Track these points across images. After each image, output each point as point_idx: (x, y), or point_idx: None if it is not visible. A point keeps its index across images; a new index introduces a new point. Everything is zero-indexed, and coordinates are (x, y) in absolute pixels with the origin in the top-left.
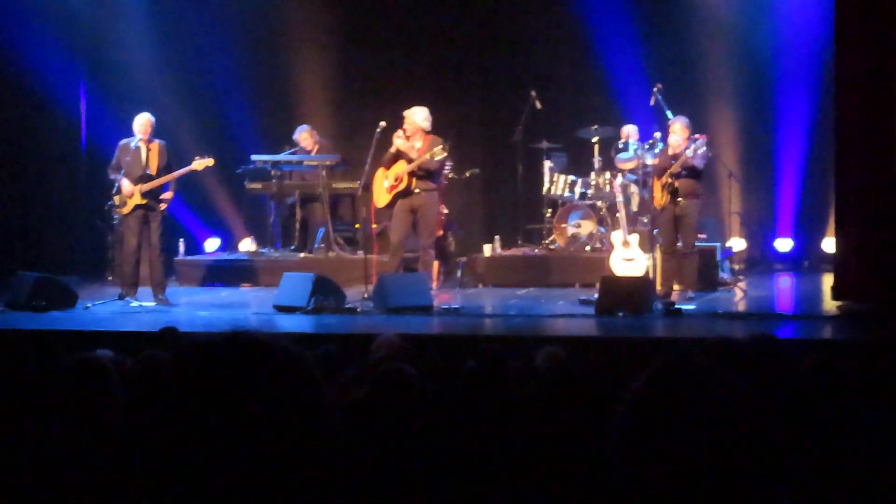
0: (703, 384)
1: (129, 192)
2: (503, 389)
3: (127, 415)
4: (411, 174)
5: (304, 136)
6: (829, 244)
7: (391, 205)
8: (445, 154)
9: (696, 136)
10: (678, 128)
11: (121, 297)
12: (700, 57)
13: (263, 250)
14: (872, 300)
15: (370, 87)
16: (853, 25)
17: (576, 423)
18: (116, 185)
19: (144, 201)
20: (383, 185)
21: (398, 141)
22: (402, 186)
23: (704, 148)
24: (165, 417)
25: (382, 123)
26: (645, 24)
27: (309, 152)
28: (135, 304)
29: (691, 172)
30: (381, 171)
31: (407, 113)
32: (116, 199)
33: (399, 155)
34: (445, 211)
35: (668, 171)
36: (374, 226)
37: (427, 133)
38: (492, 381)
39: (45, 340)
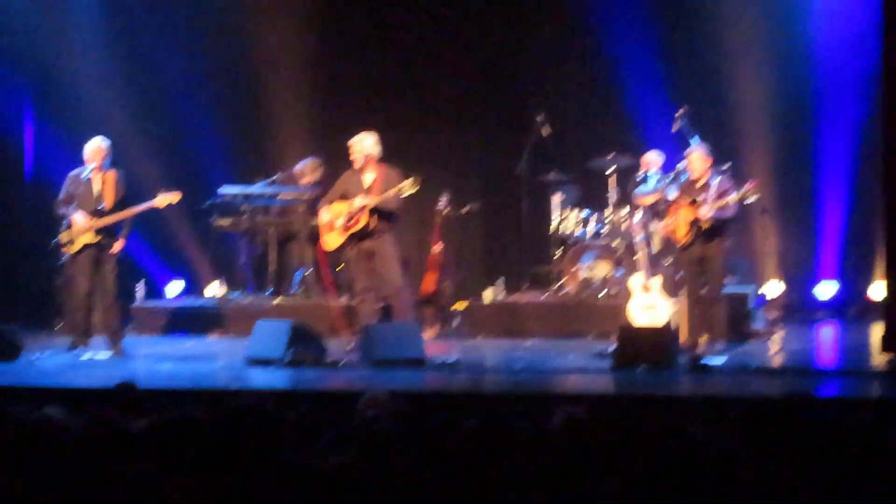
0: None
1: (84, 228)
2: (508, 455)
3: (76, 481)
4: (370, 212)
5: (308, 168)
6: (878, 288)
7: (342, 247)
8: (416, 189)
9: (750, 184)
10: (698, 157)
11: (71, 348)
12: (730, 77)
13: (233, 295)
14: None
15: (357, 112)
16: None
17: (596, 494)
18: (66, 221)
19: (97, 239)
20: (334, 225)
21: (324, 215)
22: (359, 226)
23: (756, 197)
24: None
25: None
26: (667, 41)
27: None
28: (87, 355)
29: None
30: (325, 209)
31: (354, 141)
32: (64, 236)
33: (348, 191)
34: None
35: (699, 211)
36: (338, 269)
37: (380, 162)
38: (495, 445)
39: None
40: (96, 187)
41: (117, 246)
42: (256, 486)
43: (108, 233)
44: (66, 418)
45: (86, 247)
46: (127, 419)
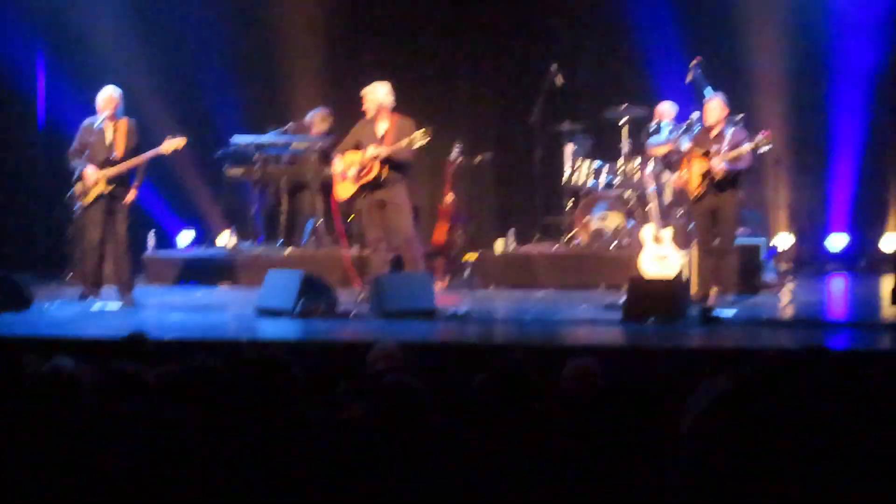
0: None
1: (93, 181)
2: (520, 407)
3: (93, 431)
4: (382, 162)
5: (318, 118)
6: (889, 241)
7: (354, 197)
8: (427, 140)
9: (763, 134)
10: (715, 106)
11: (82, 298)
12: (743, 26)
13: (244, 245)
14: None
15: (369, 61)
16: None
17: (609, 445)
18: (78, 171)
19: (110, 188)
20: (346, 175)
21: (337, 164)
22: (371, 176)
23: (769, 146)
24: (136, 433)
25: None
26: None
27: None
28: (98, 305)
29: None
30: (339, 159)
31: (367, 90)
32: (78, 186)
33: (360, 140)
34: None
35: (712, 162)
36: (349, 219)
37: (392, 112)
38: (506, 396)
39: None
40: (108, 136)
41: (130, 196)
42: (271, 436)
43: (121, 182)
44: (77, 368)
45: (99, 197)
46: (139, 369)
